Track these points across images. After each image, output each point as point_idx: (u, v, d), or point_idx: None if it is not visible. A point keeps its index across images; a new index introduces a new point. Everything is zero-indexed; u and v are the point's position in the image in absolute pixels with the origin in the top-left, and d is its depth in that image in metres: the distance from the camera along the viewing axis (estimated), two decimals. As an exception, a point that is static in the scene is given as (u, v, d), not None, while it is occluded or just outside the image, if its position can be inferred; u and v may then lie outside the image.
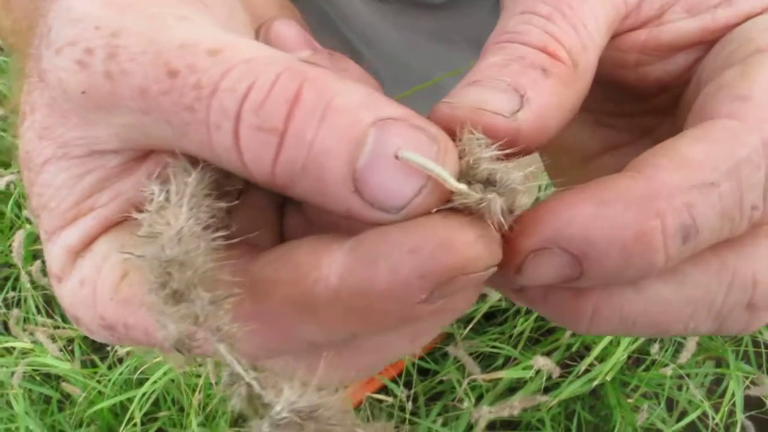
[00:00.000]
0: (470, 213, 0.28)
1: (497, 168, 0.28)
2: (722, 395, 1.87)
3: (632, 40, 0.40)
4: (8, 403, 1.91)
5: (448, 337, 2.04)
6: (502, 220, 0.28)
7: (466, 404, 1.84)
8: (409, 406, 1.84)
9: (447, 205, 0.28)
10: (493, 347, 1.98)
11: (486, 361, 2.03)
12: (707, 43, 0.39)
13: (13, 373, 1.85)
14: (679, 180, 0.29)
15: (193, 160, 0.31)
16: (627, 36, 0.40)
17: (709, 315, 0.33)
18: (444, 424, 1.88)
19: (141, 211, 0.30)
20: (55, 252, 0.34)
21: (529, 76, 0.32)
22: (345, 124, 0.27)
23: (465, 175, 0.28)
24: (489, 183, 0.28)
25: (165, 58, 0.28)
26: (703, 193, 0.29)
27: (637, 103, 0.44)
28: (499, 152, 0.29)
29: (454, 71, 0.85)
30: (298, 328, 0.29)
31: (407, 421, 1.84)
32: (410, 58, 0.90)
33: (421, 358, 2.02)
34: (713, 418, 1.82)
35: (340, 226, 0.32)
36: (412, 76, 0.90)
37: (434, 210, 0.28)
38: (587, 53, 0.35)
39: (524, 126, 0.31)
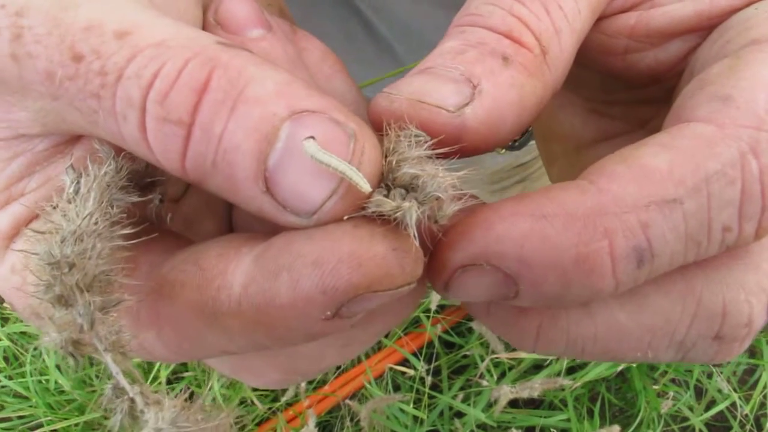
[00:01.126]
0: (388, 222, 0.25)
1: (421, 172, 0.25)
2: (754, 386, 1.80)
3: (620, 25, 0.36)
4: (40, 356, 1.96)
5: (473, 312, 2.01)
6: (414, 232, 0.25)
7: (487, 381, 1.82)
8: (429, 380, 1.82)
9: (362, 213, 0.25)
10: (519, 325, 1.93)
11: (511, 338, 1.99)
12: (704, 29, 0.34)
13: (45, 327, 1.90)
14: (635, 194, 0.25)
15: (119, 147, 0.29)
16: (614, 19, 0.36)
17: (671, 345, 0.29)
18: (464, 400, 1.86)
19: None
20: None
21: (486, 65, 0.29)
22: (256, 116, 0.24)
23: (386, 178, 0.26)
24: (411, 188, 0.25)
25: (70, 41, 0.26)
26: (663, 211, 0.25)
27: (630, 92, 0.40)
28: (432, 152, 0.26)
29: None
30: (204, 336, 0.27)
31: (427, 395, 1.83)
32: (425, 29, 0.86)
33: (446, 332, 2.00)
34: (742, 408, 1.76)
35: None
36: (427, 48, 0.86)
37: (346, 217, 0.25)
38: (562, 38, 0.31)
39: (471, 122, 0.27)
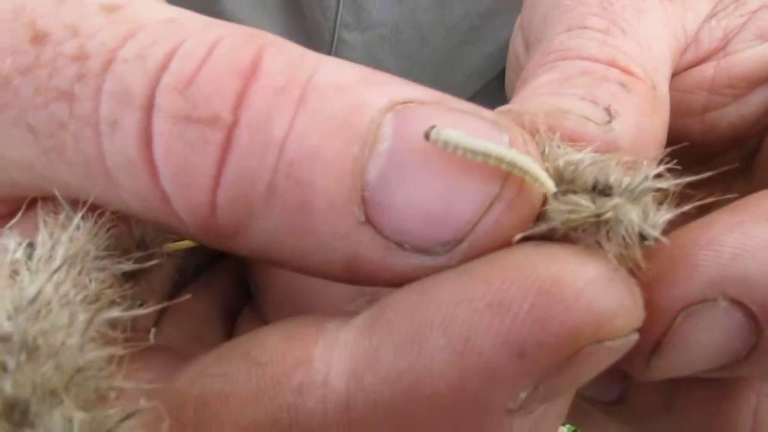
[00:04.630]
0: (573, 241, 0.16)
1: (607, 168, 0.17)
2: None
3: (698, 78, 0.30)
4: None
5: None
6: (637, 244, 0.16)
7: None
8: None
9: (531, 231, 0.16)
10: None
11: None
12: None
13: None
14: None
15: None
16: (690, 73, 0.31)
17: None
18: None
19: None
20: None
21: (605, 89, 0.22)
22: (340, 108, 0.15)
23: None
24: (599, 192, 0.16)
25: (29, 16, 0.17)
26: None
27: (696, 167, 0.35)
28: (597, 155, 0.18)
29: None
30: None
31: None
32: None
33: None
34: None
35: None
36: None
37: (517, 237, 0.16)
38: (660, 78, 0.26)
39: (623, 140, 0.21)
